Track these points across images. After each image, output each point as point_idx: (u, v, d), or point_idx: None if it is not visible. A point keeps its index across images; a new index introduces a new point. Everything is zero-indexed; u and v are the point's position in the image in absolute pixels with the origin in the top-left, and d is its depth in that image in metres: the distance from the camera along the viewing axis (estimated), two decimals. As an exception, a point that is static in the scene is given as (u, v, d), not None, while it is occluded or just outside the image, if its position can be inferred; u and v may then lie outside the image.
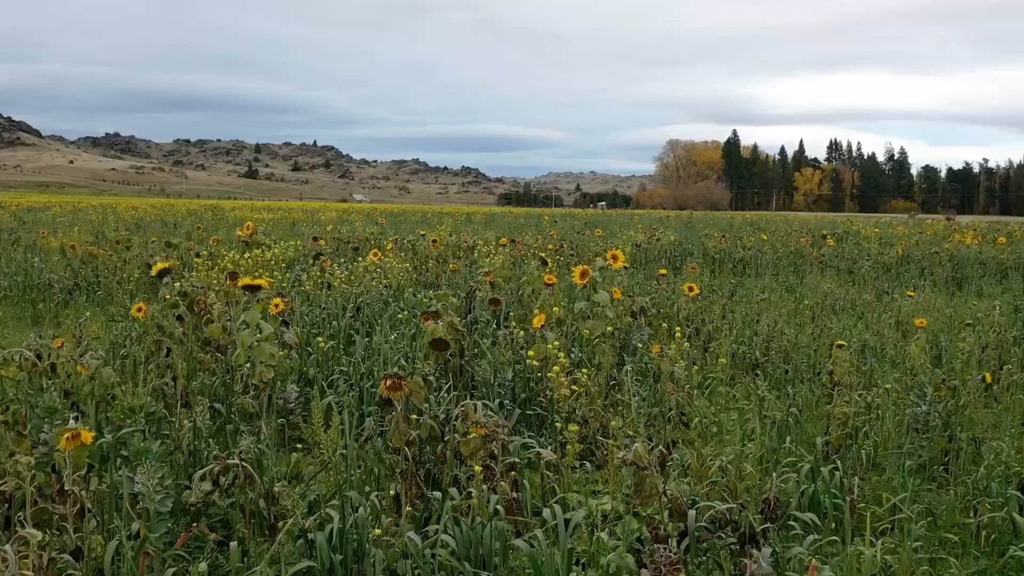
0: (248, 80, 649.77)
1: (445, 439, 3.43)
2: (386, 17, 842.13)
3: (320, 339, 4.99)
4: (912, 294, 8.08)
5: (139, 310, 4.61)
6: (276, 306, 4.33)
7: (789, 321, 7.69)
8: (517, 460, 3.31)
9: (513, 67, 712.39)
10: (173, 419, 3.82)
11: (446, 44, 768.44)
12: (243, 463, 3.02)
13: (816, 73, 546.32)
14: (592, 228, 22.02)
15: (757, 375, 5.81)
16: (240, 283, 4.22)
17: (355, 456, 3.38)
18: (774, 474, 3.47)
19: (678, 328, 5.28)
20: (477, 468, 3.06)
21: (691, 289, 6.08)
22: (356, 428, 3.78)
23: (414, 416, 3.39)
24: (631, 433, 3.59)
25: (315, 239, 11.72)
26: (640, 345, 5.34)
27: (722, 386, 5.12)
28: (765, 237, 16.97)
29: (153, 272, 4.54)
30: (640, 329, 5.46)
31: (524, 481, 3.31)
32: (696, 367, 4.94)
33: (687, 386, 4.37)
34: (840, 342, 4.94)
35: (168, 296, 4.58)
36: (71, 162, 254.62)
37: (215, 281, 7.92)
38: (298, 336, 4.85)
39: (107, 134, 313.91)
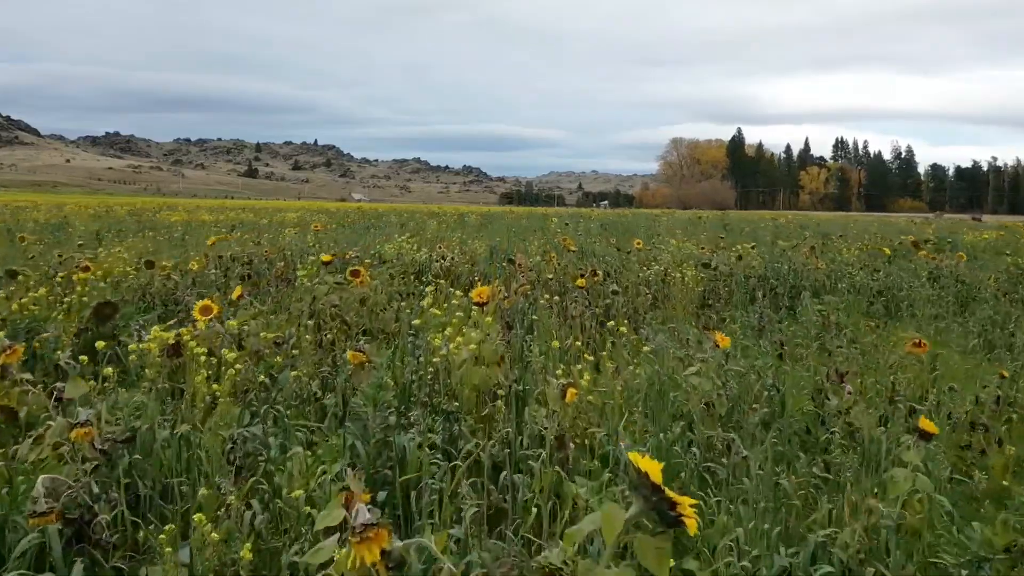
0: (248, 80, 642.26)
1: None
2: (386, 17, 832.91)
3: None
4: None
5: None
6: None
7: None
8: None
9: (513, 67, 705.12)
10: None
11: (446, 44, 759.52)
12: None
13: (816, 73, 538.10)
14: (618, 234, 16.85)
15: None
16: None
17: None
18: None
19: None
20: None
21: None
22: None
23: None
24: None
25: (150, 264, 6.27)
26: None
27: None
28: (888, 251, 11.61)
29: None
30: None
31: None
32: None
33: None
34: None
35: None
36: (68, 161, 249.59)
37: None
38: None
39: (107, 133, 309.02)
